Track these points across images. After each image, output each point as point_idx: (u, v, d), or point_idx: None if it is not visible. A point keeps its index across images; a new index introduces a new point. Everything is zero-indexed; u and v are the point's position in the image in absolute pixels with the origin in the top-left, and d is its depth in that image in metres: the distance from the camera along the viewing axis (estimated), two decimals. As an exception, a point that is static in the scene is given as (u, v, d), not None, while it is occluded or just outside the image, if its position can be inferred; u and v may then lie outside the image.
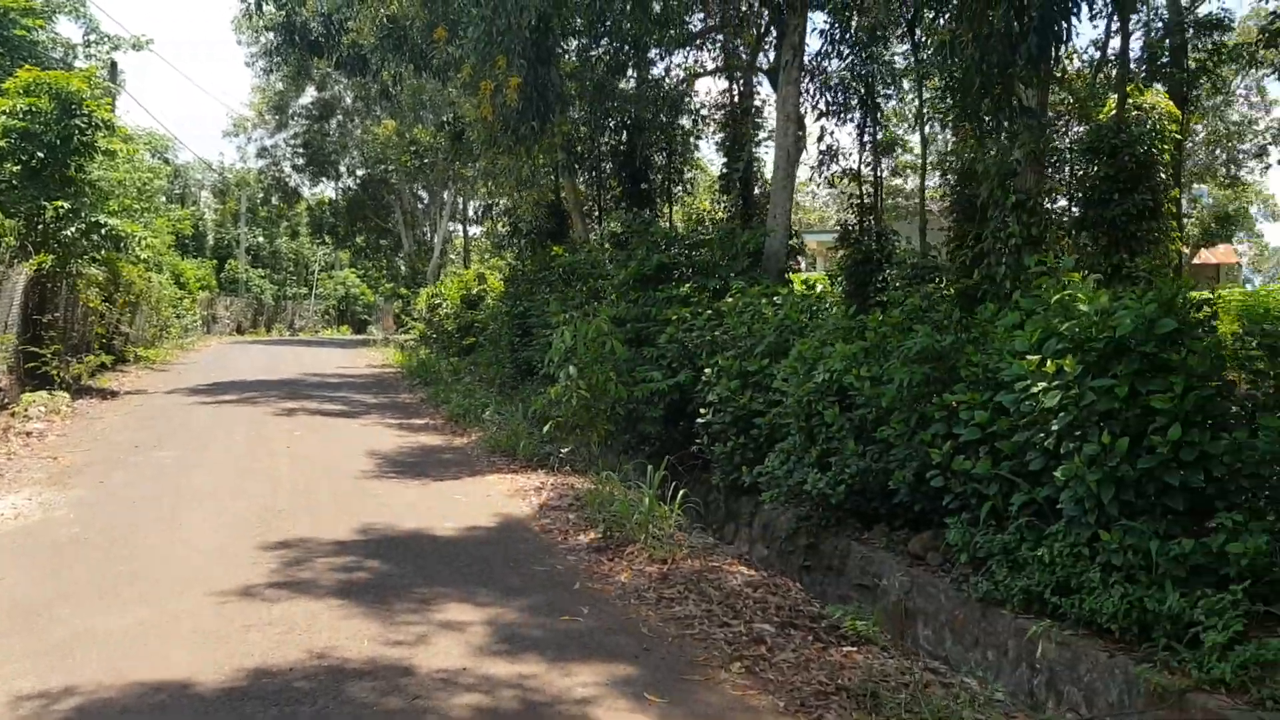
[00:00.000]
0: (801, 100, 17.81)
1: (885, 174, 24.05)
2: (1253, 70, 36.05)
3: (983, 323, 8.76)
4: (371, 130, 49.75)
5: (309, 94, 54.30)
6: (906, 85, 22.43)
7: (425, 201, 60.39)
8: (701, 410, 11.36)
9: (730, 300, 13.02)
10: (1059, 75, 19.74)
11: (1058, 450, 6.57)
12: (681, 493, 9.68)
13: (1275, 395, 6.60)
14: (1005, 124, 10.01)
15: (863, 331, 9.66)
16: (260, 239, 65.48)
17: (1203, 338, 6.30)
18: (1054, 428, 6.53)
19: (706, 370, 11.59)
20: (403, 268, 62.10)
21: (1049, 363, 6.63)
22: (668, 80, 23.90)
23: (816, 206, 56.15)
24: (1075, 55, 23.80)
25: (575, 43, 21.67)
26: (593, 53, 22.18)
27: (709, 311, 13.07)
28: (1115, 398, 6.22)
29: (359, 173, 59.91)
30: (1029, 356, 6.88)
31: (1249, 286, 38.16)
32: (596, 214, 26.31)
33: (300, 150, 57.87)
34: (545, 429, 12.87)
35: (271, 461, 12.85)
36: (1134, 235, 12.28)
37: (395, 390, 24.13)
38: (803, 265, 25.08)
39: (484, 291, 29.66)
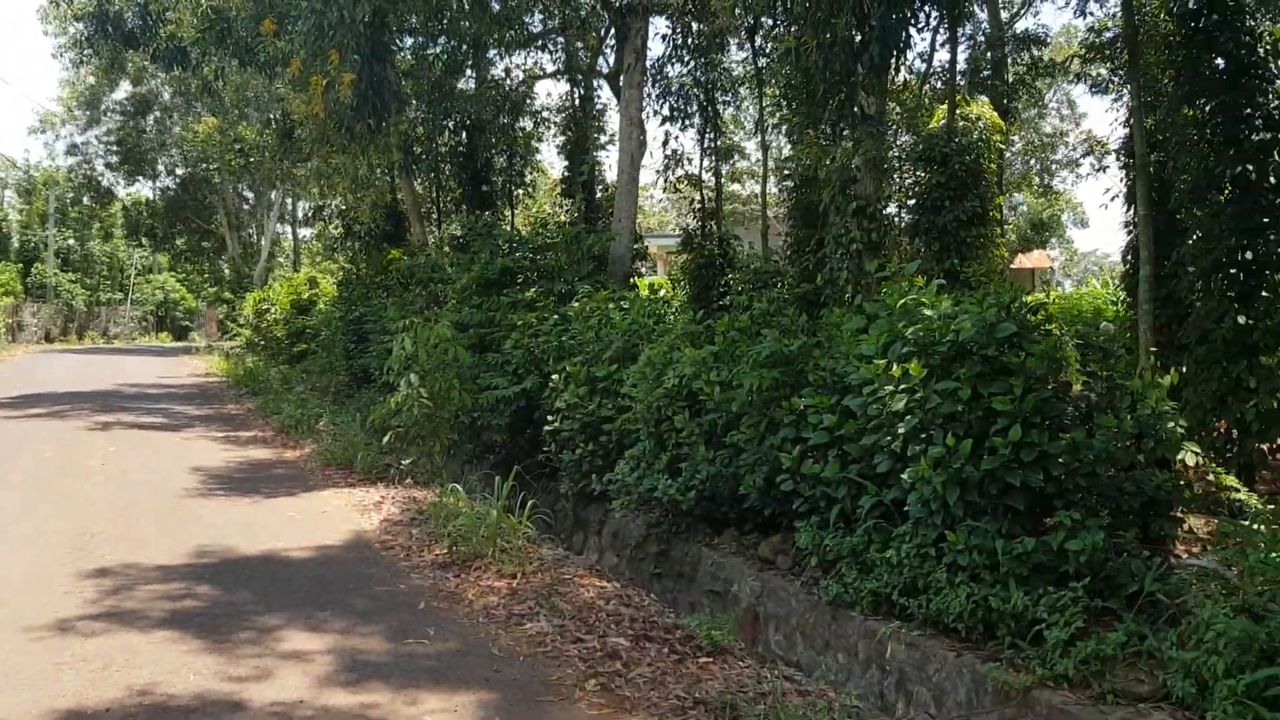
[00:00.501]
0: (644, 105, 17.88)
1: (725, 180, 24.46)
2: (1064, 84, 38.60)
3: (829, 327, 8.88)
4: (192, 127, 47.35)
5: (124, 89, 51.34)
6: (745, 92, 22.87)
7: (251, 202, 57.99)
8: (549, 417, 11.17)
9: (577, 305, 12.89)
10: (891, 86, 20.53)
11: (904, 453, 6.68)
12: (530, 503, 9.49)
13: (1108, 396, 6.89)
14: (846, 131, 10.23)
15: (711, 336, 9.68)
16: (71, 241, 61.39)
17: (1039, 340, 6.52)
18: (900, 430, 6.64)
19: (554, 376, 11.40)
20: (227, 271, 59.38)
21: (895, 367, 6.75)
22: (508, 81, 23.67)
23: (657, 211, 56.77)
24: (903, 68, 24.89)
25: (412, 40, 21.14)
26: (430, 51, 21.68)
27: (555, 316, 12.90)
28: (958, 400, 6.37)
29: (179, 172, 57.06)
30: (875, 360, 6.99)
31: (1061, 289, 40.72)
32: (436, 217, 25.78)
33: (114, 148, 54.71)
34: (385, 440, 12.43)
35: (86, 480, 11.97)
36: (964, 241, 12.75)
37: (221, 401, 23.00)
38: (644, 269, 25.18)
39: (316, 296, 28.66)
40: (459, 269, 15.66)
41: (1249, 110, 9.44)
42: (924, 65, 23.67)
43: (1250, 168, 9.28)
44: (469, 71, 23.12)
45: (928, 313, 6.73)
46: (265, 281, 44.21)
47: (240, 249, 56.29)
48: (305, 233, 54.27)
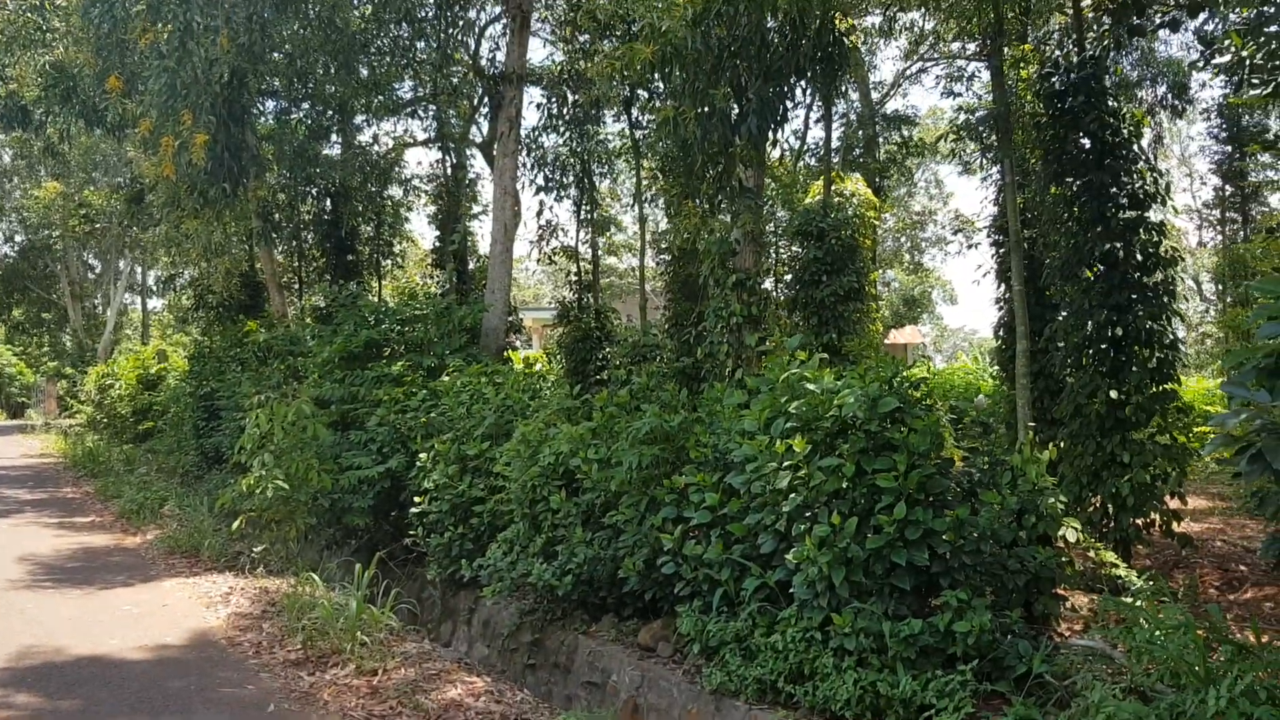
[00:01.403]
0: (519, 174, 17.86)
1: (602, 252, 24.60)
2: (933, 164, 40.47)
3: (710, 402, 8.84)
4: (33, 193, 45.32)
5: (-42, 150, 48.88)
6: (623, 164, 23.16)
7: (97, 271, 55.63)
8: (416, 499, 10.79)
9: (447, 379, 12.60)
10: (768, 161, 21.09)
11: (789, 532, 6.61)
12: (394, 592, 9.10)
13: (991, 472, 6.99)
14: (725, 203, 10.35)
15: (589, 412, 9.53)
16: (-107, 311, 57.67)
17: (922, 415, 6.57)
18: (784, 509, 6.57)
19: (422, 455, 11.06)
20: (69, 344, 56.53)
21: (778, 443, 6.70)
22: (376, 148, 23.44)
23: (533, 283, 56.78)
24: (779, 143, 25.70)
25: (274, 103, 20.74)
26: (294, 115, 21.31)
27: (424, 391, 12.57)
28: (842, 477, 6.35)
29: (18, 238, 54.39)
30: (758, 436, 6.94)
31: (933, 365, 42.11)
32: (297, 287, 25.13)
33: (-54, 213, 51.86)
34: (235, 525, 11.80)
35: (-113, 575, 10.97)
36: (842, 315, 13.04)
37: (57, 484, 21.67)
38: (518, 343, 24.98)
39: (165, 371, 27.48)
40: (321, 341, 15.20)
41: (1114, 189, 9.92)
42: (799, 142, 24.61)
43: (1117, 245, 9.71)
44: (335, 137, 22.81)
45: (810, 387, 6.73)
46: (110, 355, 42.25)
47: (84, 320, 53.80)
48: (155, 303, 52.28)
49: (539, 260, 21.11)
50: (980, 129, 10.91)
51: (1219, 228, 29.59)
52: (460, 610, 10.52)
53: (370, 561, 9.64)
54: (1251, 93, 8.32)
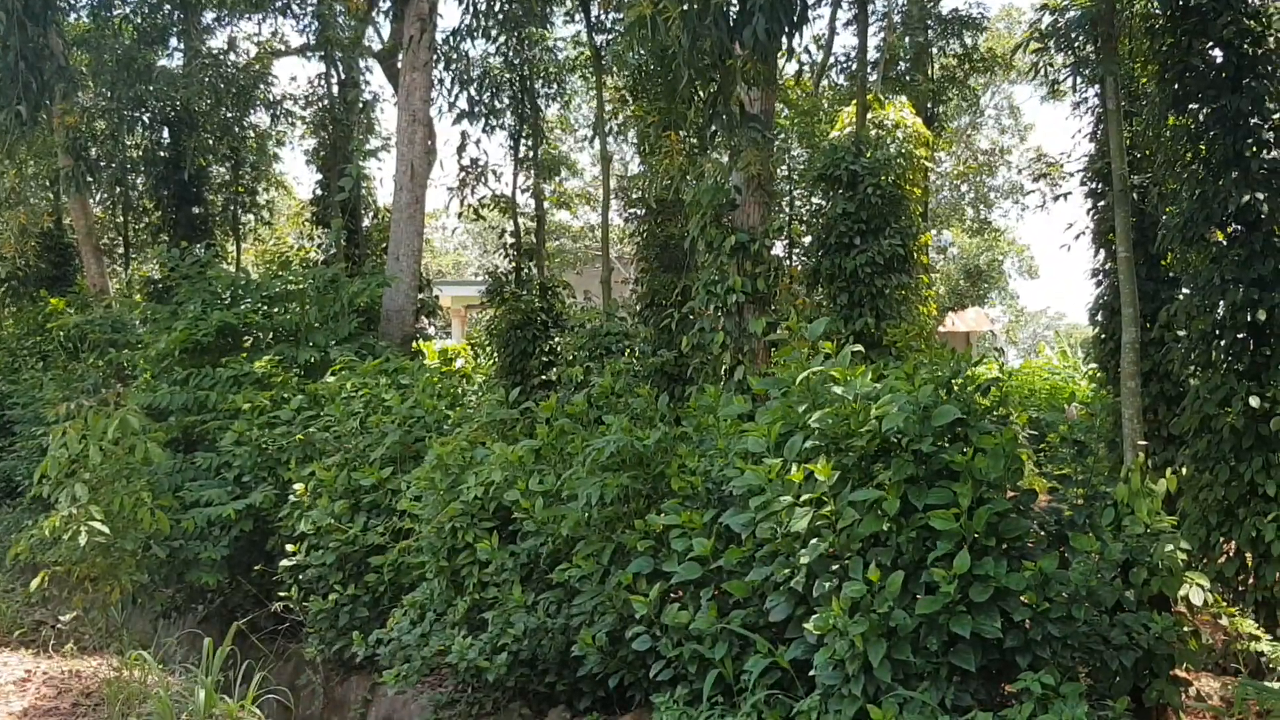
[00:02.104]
0: (433, 96, 17.80)
1: (551, 204, 24.57)
2: (1007, 84, 40.47)
3: (699, 412, 8.85)
4: None
5: None
6: (580, 82, 23.09)
7: None
8: (289, 547, 10.76)
9: (333, 381, 12.55)
10: (781, 78, 21.12)
11: (809, 592, 6.63)
12: (258, 677, 9.04)
13: (1086, 509, 7.04)
14: (719, 136, 10.32)
15: (531, 426, 9.53)
16: None
17: (993, 431, 6.61)
18: (803, 560, 6.58)
19: (297, 486, 11.02)
20: None
21: (794, 469, 6.71)
22: (233, 57, 23.26)
23: (453, 247, 56.67)
24: (797, 54, 25.74)
25: (89, -5, 20.63)
26: (117, 11, 21.17)
27: (300, 397, 12.53)
28: (883, 516, 6.37)
29: None
30: (766, 460, 6.95)
31: (1006, 362, 42.26)
32: (122, 251, 24.94)
33: None
34: (34, 584, 11.71)
35: None
36: (881, 292, 13.08)
37: None
38: (434, 330, 24.94)
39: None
40: (156, 327, 15.09)
41: (1256, 120, 10.00)
42: (823, 53, 24.67)
43: (1259, 196, 9.77)
44: (175, 42, 22.65)
45: (838, 391, 6.75)
46: None
47: None
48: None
49: (462, 215, 21.06)
50: (1073, 34, 10.92)
51: None
52: (351, 702, 10.50)
53: (226, 634, 9.57)
54: None
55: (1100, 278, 13.59)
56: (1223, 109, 10.03)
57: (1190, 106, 10.33)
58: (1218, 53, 10.22)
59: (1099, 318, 13.62)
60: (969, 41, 24.57)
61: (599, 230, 32.63)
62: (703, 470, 7.88)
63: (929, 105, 22.97)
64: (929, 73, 23.65)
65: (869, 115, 15.52)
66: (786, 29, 8.95)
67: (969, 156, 43.27)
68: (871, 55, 22.52)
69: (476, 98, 19.50)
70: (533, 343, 17.20)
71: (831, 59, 25.06)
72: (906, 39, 24.11)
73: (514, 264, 19.56)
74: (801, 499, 6.66)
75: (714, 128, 9.94)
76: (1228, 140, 9.98)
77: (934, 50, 24.44)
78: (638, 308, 16.75)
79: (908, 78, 23.42)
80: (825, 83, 24.60)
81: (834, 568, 6.56)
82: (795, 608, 6.78)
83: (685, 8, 8.86)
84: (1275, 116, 9.99)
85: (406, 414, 11.01)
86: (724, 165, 10.86)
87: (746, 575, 7.07)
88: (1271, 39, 10.05)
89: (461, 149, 19.77)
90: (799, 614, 6.73)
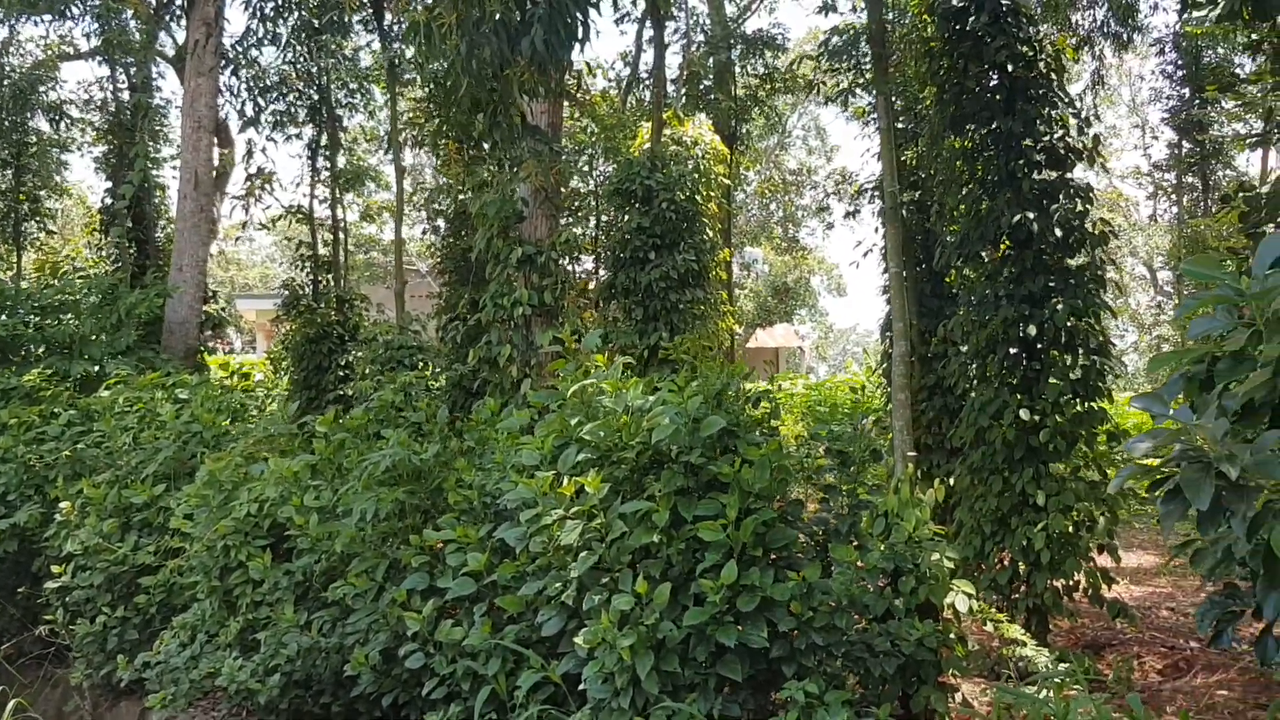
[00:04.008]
0: (225, 101, 17.39)
1: (355, 217, 24.21)
2: (813, 106, 41.27)
3: (480, 426, 8.77)
4: None
5: None
6: (379, 91, 22.82)
7: None
8: (55, 569, 10.37)
9: (107, 395, 12.14)
10: (583, 94, 21.14)
11: (579, 605, 6.60)
12: (12, 703, 8.68)
13: (850, 518, 7.14)
14: (501, 148, 10.28)
15: (309, 441, 9.34)
16: None
17: (761, 443, 6.66)
18: (574, 574, 6.55)
19: (65, 504, 10.64)
20: None
21: (566, 481, 6.68)
22: (16, 60, 22.40)
23: (259, 260, 55.55)
24: (602, 71, 25.84)
25: None
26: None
27: (71, 412, 12.09)
28: (653, 527, 6.37)
29: None
30: (540, 473, 6.90)
31: (814, 376, 43.05)
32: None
33: None
34: None
35: None
36: (675, 307, 13.17)
37: None
38: (238, 343, 24.26)
39: None
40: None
41: (1028, 141, 10.35)
42: (629, 69, 24.76)
43: (1030, 216, 10.11)
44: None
45: (608, 404, 6.74)
46: None
47: None
48: None
49: (246, 226, 20.58)
50: (852, 53, 11.20)
51: (1174, 196, 31.22)
52: (121, 729, 10.18)
53: (-15, 661, 9.19)
54: (1196, 14, 8.81)
55: (889, 294, 13.91)
56: (997, 130, 10.37)
57: (967, 127, 10.65)
58: (993, 76, 10.56)
59: (889, 332, 13.93)
60: (771, 61, 24.96)
61: (407, 243, 32.40)
62: (479, 484, 7.81)
63: (733, 123, 23.23)
64: (731, 92, 23.92)
65: (669, 132, 15.65)
66: (567, 41, 8.96)
67: (777, 176, 43.92)
68: (673, 72, 22.76)
69: (263, 106, 19.11)
70: (328, 356, 16.89)
71: (639, 77, 25.18)
72: (711, 58, 24.36)
73: (312, 276, 19.20)
74: (572, 512, 6.63)
75: (496, 140, 9.92)
76: (1001, 161, 10.33)
77: (738, 69, 24.75)
78: (443, 321, 16.59)
79: (711, 97, 23.63)
80: (633, 99, 24.72)
81: (604, 581, 6.54)
82: (567, 621, 6.73)
83: (461, 16, 8.79)
84: (1046, 138, 10.36)
85: (182, 429, 10.71)
86: (503, 177, 10.80)
87: (519, 590, 7.01)
88: (1042, 63, 10.43)
89: (248, 157, 19.34)
90: (571, 628, 6.68)
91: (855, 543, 6.97)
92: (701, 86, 24.07)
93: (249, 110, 18.91)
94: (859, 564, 6.65)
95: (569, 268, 12.94)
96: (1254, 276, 4.44)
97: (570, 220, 20.43)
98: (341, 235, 20.15)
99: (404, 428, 8.85)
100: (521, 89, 9.19)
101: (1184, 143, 28.10)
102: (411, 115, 18.37)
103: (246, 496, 8.81)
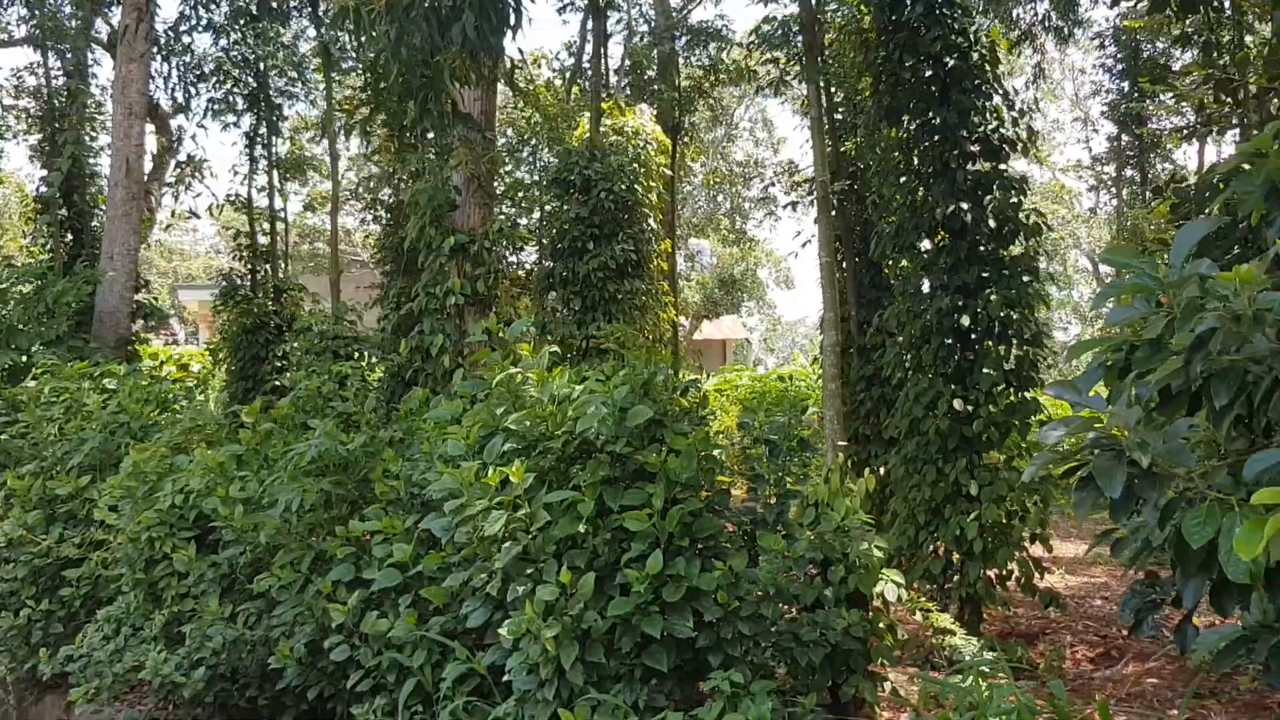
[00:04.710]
0: (158, 87, 17.19)
1: (300, 207, 24.00)
2: (762, 99, 41.19)
3: (409, 416, 8.70)
4: None
5: None
6: (319, 78, 22.61)
7: None
8: (-22, 562, 10.22)
9: (33, 385, 11.97)
10: (524, 84, 21.05)
11: (504, 596, 6.55)
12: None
13: (778, 508, 7.13)
14: (432, 134, 10.20)
15: (236, 431, 9.24)
16: None
17: (688, 432, 6.63)
18: (498, 565, 6.50)
19: (-12, 496, 10.50)
20: None
21: (491, 471, 6.63)
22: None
23: (204, 251, 55.03)
24: (546, 61, 25.72)
25: None
26: None
27: (-3, 403, 11.94)
28: (579, 517, 6.33)
29: None
30: (465, 464, 6.84)
31: (761, 369, 43.11)
32: None
33: None
34: None
35: None
36: (613, 297, 13.13)
37: None
38: (181, 334, 23.98)
39: None
40: None
41: (963, 133, 10.35)
42: (573, 59, 24.59)
43: (964, 207, 10.13)
44: None
45: (533, 393, 6.69)
46: None
47: None
48: None
49: (175, 214, 20.34)
50: (785, 42, 11.20)
51: (1114, 188, 31.45)
52: (44, 723, 10.06)
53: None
54: (1124, 3, 8.85)
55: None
56: (932, 121, 10.38)
57: (902, 118, 10.66)
58: (927, 67, 10.56)
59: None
60: (715, 54, 24.84)
61: (354, 234, 32.12)
62: (406, 475, 7.75)
63: (676, 114, 23.14)
64: (675, 83, 23.81)
65: (610, 122, 15.58)
66: (498, 27, 8.87)
67: (725, 168, 43.76)
68: (616, 62, 22.66)
69: (195, 92, 18.91)
70: (265, 347, 16.75)
71: (584, 67, 24.99)
72: (656, 49, 24.22)
73: (249, 266, 19.01)
74: (496, 502, 6.58)
75: (425, 125, 9.83)
76: (936, 151, 10.33)
77: (683, 60, 24.63)
78: (374, 310, 16.45)
79: (656, 88, 23.50)
80: (576, 89, 24.56)
81: (529, 571, 6.49)
82: (493, 613, 6.69)
83: (390, 2, 8.70)
84: (981, 130, 10.37)
85: (109, 420, 10.57)
86: (434, 164, 10.72)
87: (445, 581, 6.96)
88: (976, 54, 10.44)
89: (178, 144, 19.14)
90: (496, 619, 6.64)
91: (783, 532, 6.95)
92: (646, 77, 23.96)
93: (180, 97, 18.67)
94: (786, 554, 6.63)
95: (510, 258, 12.88)
96: (1171, 265, 4.45)
97: (516, 210, 20.35)
98: (280, 225, 19.96)
99: (332, 418, 8.75)
100: (453, 76, 9.10)
101: (1124, 136, 28.33)
102: (342, 103, 18.19)
103: (171, 488, 8.71)
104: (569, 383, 6.88)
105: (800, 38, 10.74)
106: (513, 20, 8.99)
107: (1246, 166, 6.07)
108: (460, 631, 6.89)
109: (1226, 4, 10.96)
